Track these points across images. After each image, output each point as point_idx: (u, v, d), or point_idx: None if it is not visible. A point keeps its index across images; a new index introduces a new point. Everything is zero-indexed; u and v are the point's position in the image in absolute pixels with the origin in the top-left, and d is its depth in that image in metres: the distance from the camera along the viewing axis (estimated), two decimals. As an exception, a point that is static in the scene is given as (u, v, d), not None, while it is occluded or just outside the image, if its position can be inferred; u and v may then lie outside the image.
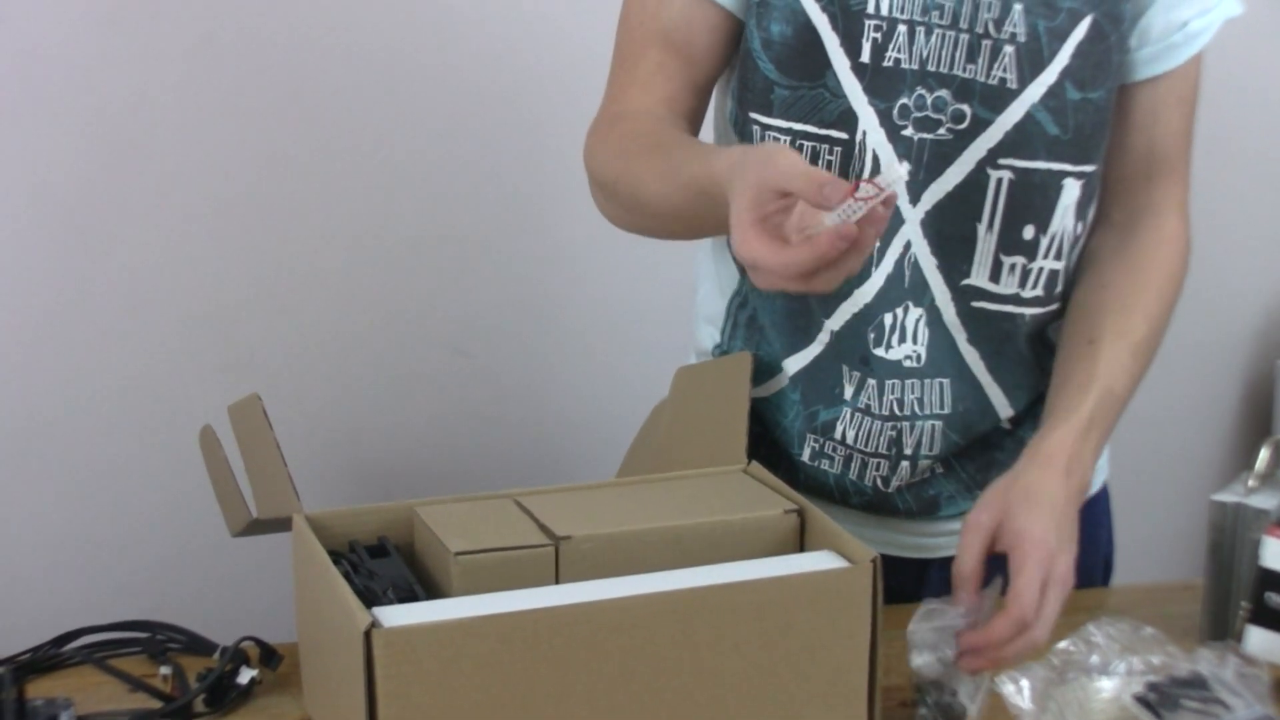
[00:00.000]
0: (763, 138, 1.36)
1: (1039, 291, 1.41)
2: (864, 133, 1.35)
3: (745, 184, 1.11)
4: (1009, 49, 1.33)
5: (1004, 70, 1.33)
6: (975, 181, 1.35)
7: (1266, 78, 2.58)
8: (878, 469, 1.45)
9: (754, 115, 1.38)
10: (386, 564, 1.21)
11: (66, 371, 2.06)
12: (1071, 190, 1.39)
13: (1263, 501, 1.40)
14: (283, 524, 1.25)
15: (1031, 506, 1.23)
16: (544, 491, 1.28)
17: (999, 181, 1.36)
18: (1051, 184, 1.37)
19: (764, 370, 1.45)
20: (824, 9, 1.33)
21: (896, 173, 1.06)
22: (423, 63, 2.10)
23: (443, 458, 2.23)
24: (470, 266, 2.19)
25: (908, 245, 1.38)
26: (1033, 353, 1.45)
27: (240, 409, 1.33)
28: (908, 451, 1.43)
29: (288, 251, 2.11)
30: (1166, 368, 2.39)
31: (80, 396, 2.07)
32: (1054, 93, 1.34)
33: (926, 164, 1.36)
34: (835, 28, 1.33)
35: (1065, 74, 1.34)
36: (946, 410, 1.43)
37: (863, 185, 1.04)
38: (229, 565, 2.06)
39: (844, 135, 1.34)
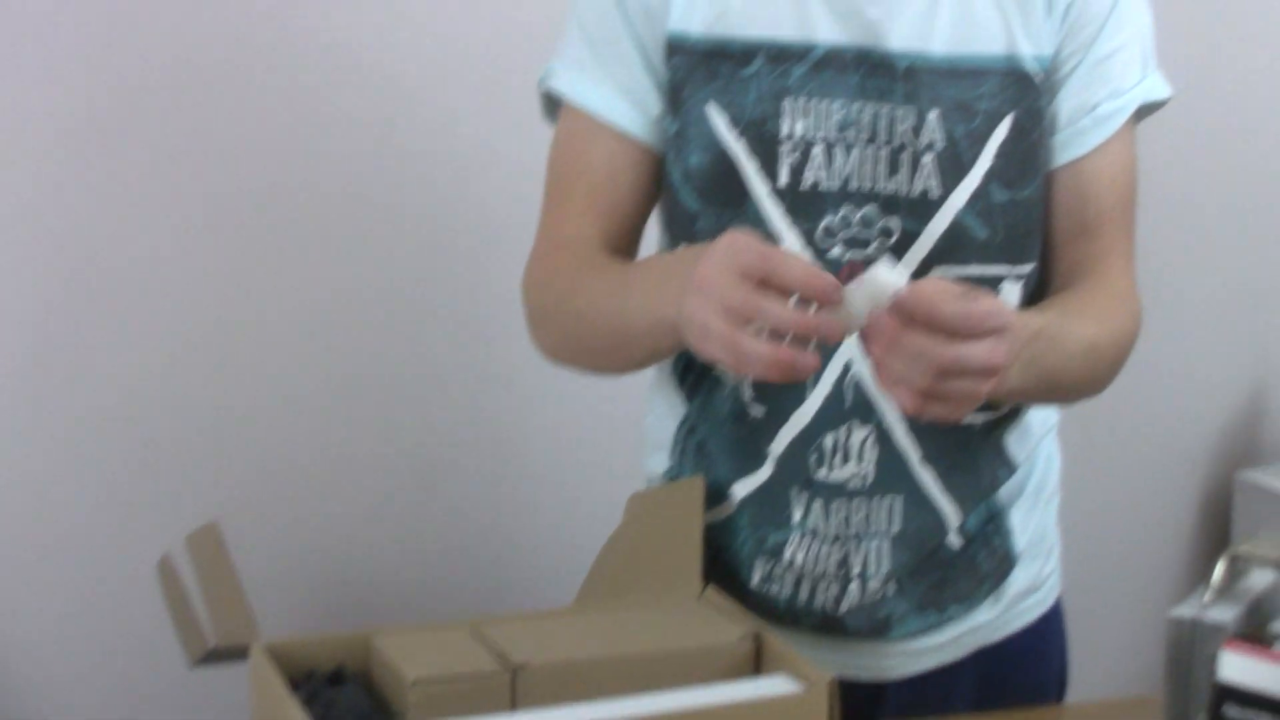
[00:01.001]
0: None
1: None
2: None
3: (727, 238, 1.16)
4: (929, 158, 1.33)
5: (926, 180, 1.33)
6: None
7: (1210, 177, 2.59)
8: (828, 591, 1.43)
9: (682, 246, 1.38)
10: (344, 693, 1.20)
11: (15, 506, 2.03)
12: (1010, 293, 1.38)
13: (1220, 616, 1.38)
14: (241, 652, 1.24)
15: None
16: (501, 619, 1.29)
17: None
18: (988, 289, 1.35)
19: (713, 495, 1.44)
20: (739, 136, 1.34)
21: (885, 279, 1.09)
22: (348, 192, 2.10)
23: (401, 585, 2.20)
24: (422, 394, 2.18)
25: (847, 366, 1.37)
26: (986, 462, 1.44)
27: (198, 538, 1.33)
28: (856, 572, 1.42)
29: (245, 382, 2.09)
30: (1122, 479, 2.42)
31: (38, 529, 2.04)
32: (980, 196, 1.34)
33: None
34: (752, 154, 1.34)
35: (989, 176, 1.34)
36: (896, 529, 1.42)
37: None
38: (188, 694, 2.02)
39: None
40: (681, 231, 1.40)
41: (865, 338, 1.14)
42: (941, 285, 1.14)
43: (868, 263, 1.32)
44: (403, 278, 2.14)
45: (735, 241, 1.16)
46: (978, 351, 1.13)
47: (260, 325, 2.08)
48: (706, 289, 1.14)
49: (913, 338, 1.11)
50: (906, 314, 1.11)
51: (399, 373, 2.15)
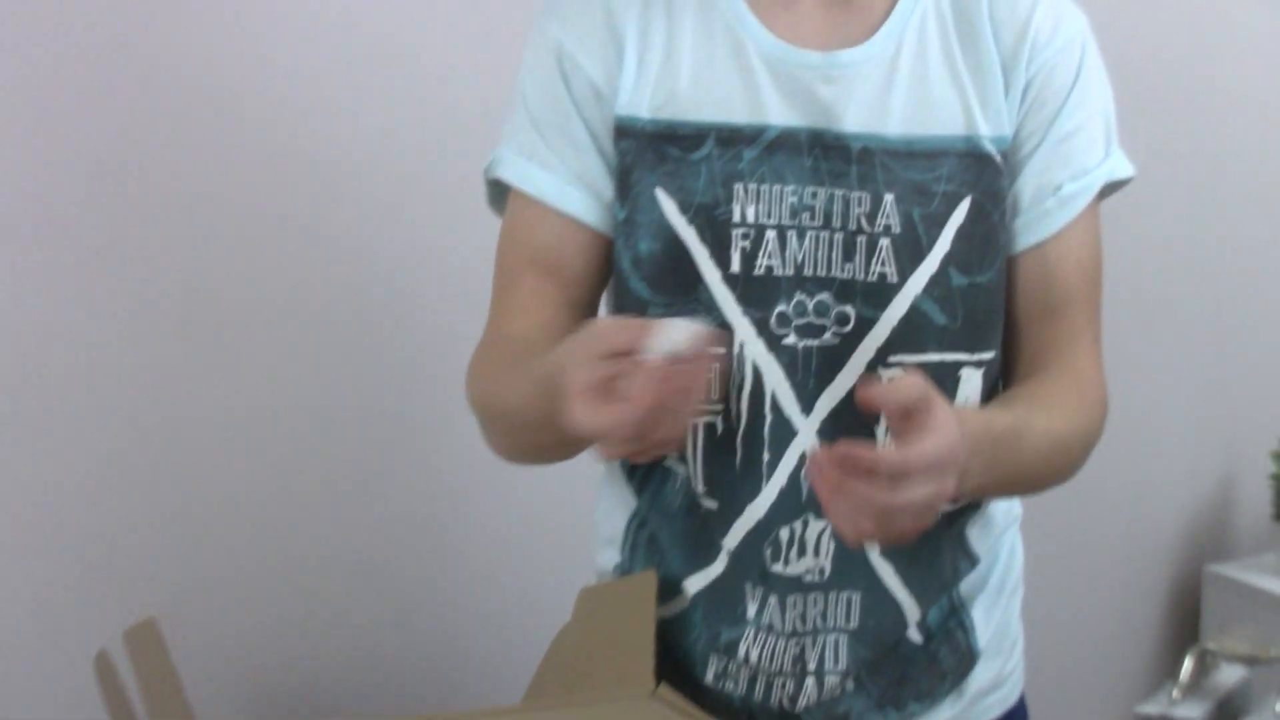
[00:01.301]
0: None
1: None
2: (741, 345, 1.32)
3: (572, 359, 1.11)
4: (885, 242, 1.31)
5: (883, 265, 1.31)
6: (868, 384, 1.30)
7: (1177, 262, 2.58)
8: (784, 688, 1.40)
9: None
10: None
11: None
12: (971, 381, 1.36)
13: (1188, 713, 1.36)
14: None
15: (950, 409, 1.16)
16: (448, 717, 1.27)
17: (893, 379, 1.32)
18: (947, 376, 1.34)
19: (665, 590, 1.41)
20: (690, 221, 1.31)
21: (679, 332, 1.08)
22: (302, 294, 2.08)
23: (345, 683, 2.16)
24: (363, 487, 2.15)
25: (803, 457, 1.34)
26: (948, 555, 1.42)
27: (136, 634, 1.30)
28: (813, 668, 1.39)
29: (185, 478, 2.06)
30: (1088, 571, 2.40)
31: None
32: (938, 281, 1.31)
33: (816, 371, 1.33)
34: (703, 240, 1.31)
35: (948, 260, 1.31)
36: (854, 624, 1.39)
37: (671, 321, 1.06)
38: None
39: (722, 348, 1.30)
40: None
41: (811, 476, 1.13)
42: (882, 453, 1.11)
43: (823, 350, 1.32)
44: (341, 378, 2.12)
45: (576, 338, 1.14)
46: (920, 494, 1.10)
47: (201, 422, 2.05)
48: (593, 435, 1.10)
49: (854, 485, 1.08)
50: (849, 465, 1.09)
51: (339, 468, 2.13)
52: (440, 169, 2.06)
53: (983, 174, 1.34)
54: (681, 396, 1.08)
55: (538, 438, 1.30)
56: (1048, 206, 1.36)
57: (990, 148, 1.34)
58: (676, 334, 1.08)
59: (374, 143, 2.07)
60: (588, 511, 1.54)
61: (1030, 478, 1.34)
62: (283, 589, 2.11)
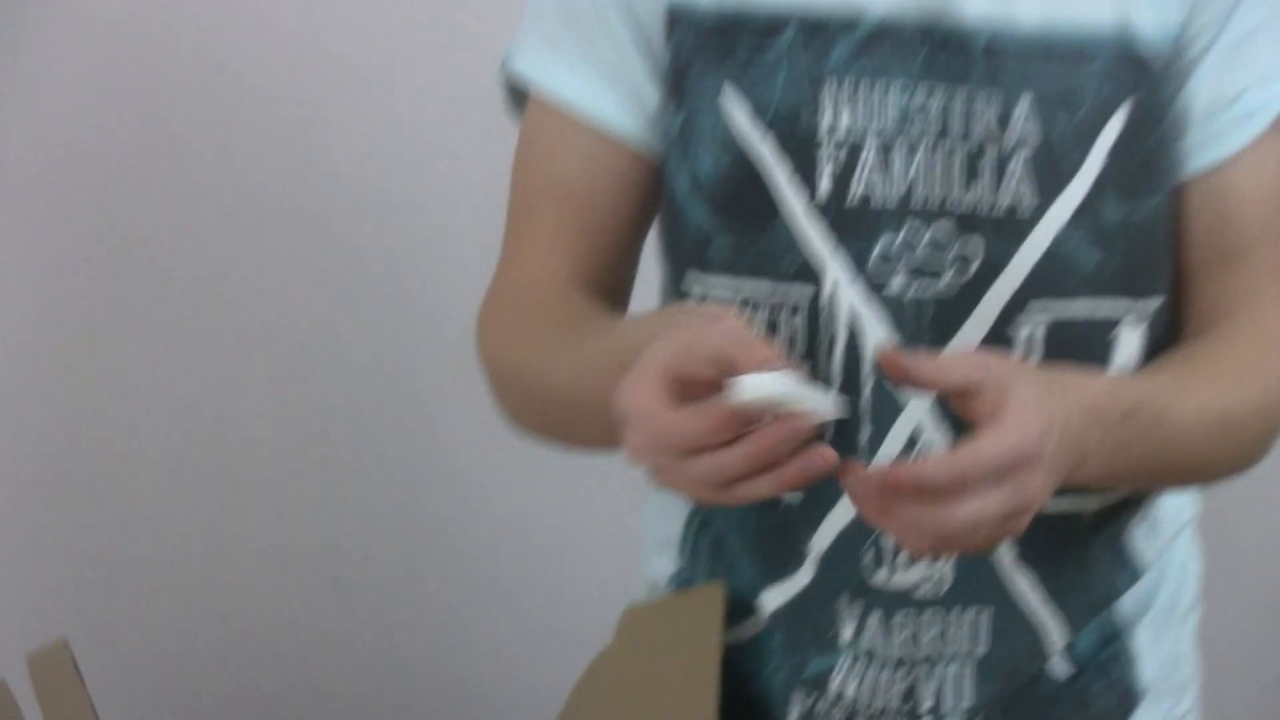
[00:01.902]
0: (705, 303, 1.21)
1: None
2: (832, 291, 1.16)
3: (671, 340, 0.98)
4: (1018, 161, 1.14)
5: (1016, 190, 1.15)
6: (996, 342, 1.16)
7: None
8: (889, 734, 1.26)
9: (690, 275, 1.22)
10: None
11: None
12: (1129, 343, 1.19)
13: None
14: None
15: (1037, 386, 1.02)
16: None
17: (1030, 338, 1.16)
18: (1098, 334, 1.17)
19: (736, 608, 1.25)
20: (765, 132, 1.16)
21: (823, 404, 0.95)
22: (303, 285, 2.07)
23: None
24: (341, 477, 2.10)
25: (914, 436, 1.18)
26: (1103, 564, 1.25)
27: (43, 658, 1.23)
28: (927, 707, 1.22)
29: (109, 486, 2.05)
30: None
31: None
32: (1087, 210, 1.15)
33: (930, 327, 1.16)
34: (782, 156, 1.16)
35: (1100, 184, 1.15)
36: (982, 650, 1.21)
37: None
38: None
39: (808, 294, 1.16)
40: (689, 258, 1.21)
41: (850, 495, 1.02)
42: (938, 454, 1.00)
43: (939, 300, 1.15)
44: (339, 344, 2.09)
45: (657, 352, 1.00)
46: (987, 507, 0.97)
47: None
48: (636, 422, 0.98)
49: (903, 509, 0.97)
50: (890, 488, 0.97)
51: (326, 455, 2.09)
52: (440, 169, 2.05)
53: (1142, 76, 1.17)
54: (755, 458, 0.95)
55: (587, 430, 1.18)
56: (1224, 122, 1.20)
57: (1150, 43, 1.18)
58: (781, 386, 0.95)
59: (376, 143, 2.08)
60: (633, 509, 1.40)
61: (1187, 465, 1.17)
62: (245, 603, 2.09)
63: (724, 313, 1.01)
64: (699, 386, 0.94)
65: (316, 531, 2.10)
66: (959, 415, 1.00)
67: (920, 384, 0.98)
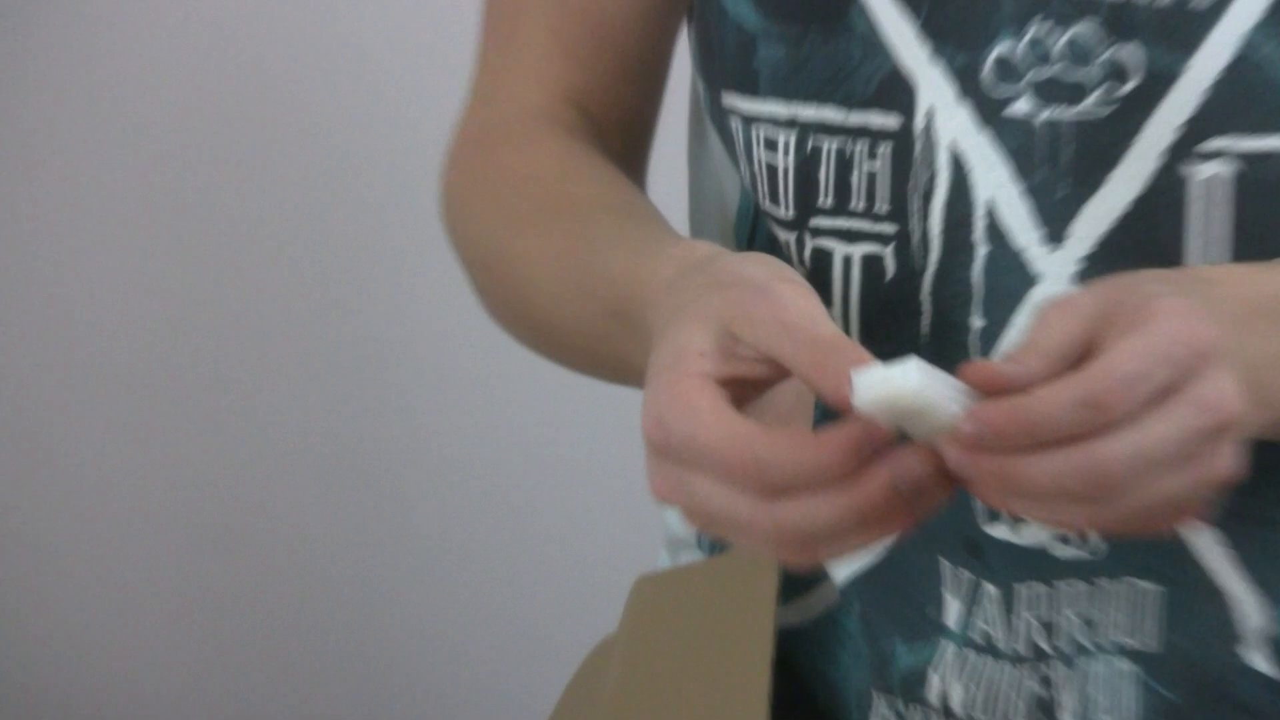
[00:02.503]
0: (749, 138, 0.96)
1: None
2: (929, 116, 0.91)
3: (708, 309, 0.78)
4: None
5: None
6: (1166, 189, 0.89)
7: None
8: (1012, 758, 1.00)
9: (729, 98, 0.98)
10: None
11: None
12: None
13: None
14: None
15: (1181, 285, 0.80)
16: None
17: (1210, 184, 0.89)
18: None
19: (797, 578, 1.00)
20: None
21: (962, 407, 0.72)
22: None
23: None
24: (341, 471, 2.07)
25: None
26: None
27: None
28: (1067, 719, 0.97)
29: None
30: None
31: None
32: None
33: (1070, 167, 0.91)
34: None
35: None
36: (1150, 639, 0.95)
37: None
38: None
39: (893, 122, 0.91)
40: (728, 75, 0.97)
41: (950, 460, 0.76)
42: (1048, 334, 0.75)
43: (1084, 127, 0.90)
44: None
45: (689, 341, 0.79)
46: (1165, 432, 0.72)
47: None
48: (682, 448, 0.75)
49: (1021, 469, 0.72)
50: (974, 438, 0.72)
51: (304, 444, 2.07)
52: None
53: None
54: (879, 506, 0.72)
55: (574, 356, 1.03)
56: None
57: None
58: (926, 387, 0.72)
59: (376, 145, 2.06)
60: (643, 505, 1.18)
61: None
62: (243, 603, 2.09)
63: (777, 275, 0.79)
64: (743, 388, 0.75)
65: (316, 530, 2.07)
66: None
67: (1036, 378, 0.71)
